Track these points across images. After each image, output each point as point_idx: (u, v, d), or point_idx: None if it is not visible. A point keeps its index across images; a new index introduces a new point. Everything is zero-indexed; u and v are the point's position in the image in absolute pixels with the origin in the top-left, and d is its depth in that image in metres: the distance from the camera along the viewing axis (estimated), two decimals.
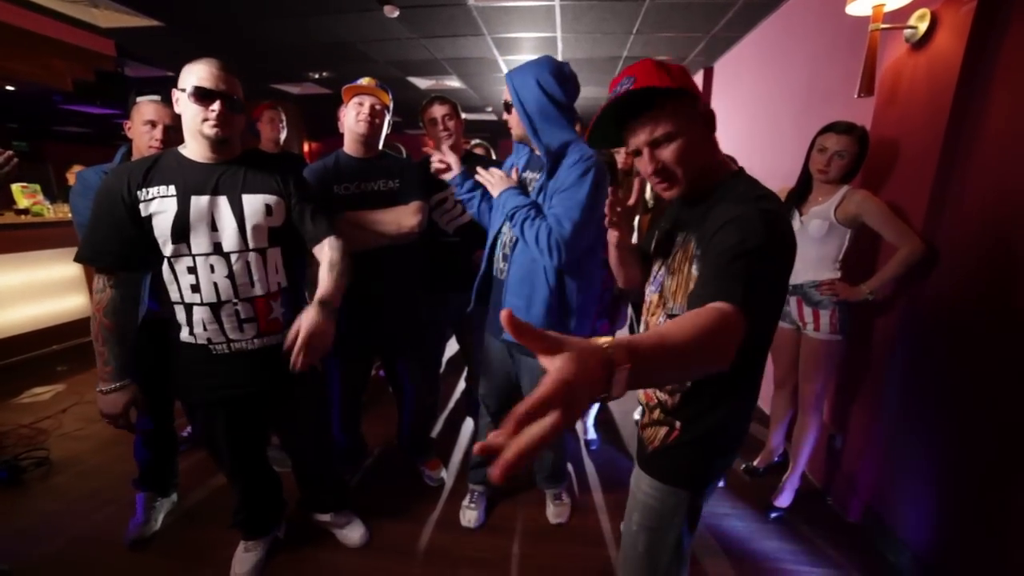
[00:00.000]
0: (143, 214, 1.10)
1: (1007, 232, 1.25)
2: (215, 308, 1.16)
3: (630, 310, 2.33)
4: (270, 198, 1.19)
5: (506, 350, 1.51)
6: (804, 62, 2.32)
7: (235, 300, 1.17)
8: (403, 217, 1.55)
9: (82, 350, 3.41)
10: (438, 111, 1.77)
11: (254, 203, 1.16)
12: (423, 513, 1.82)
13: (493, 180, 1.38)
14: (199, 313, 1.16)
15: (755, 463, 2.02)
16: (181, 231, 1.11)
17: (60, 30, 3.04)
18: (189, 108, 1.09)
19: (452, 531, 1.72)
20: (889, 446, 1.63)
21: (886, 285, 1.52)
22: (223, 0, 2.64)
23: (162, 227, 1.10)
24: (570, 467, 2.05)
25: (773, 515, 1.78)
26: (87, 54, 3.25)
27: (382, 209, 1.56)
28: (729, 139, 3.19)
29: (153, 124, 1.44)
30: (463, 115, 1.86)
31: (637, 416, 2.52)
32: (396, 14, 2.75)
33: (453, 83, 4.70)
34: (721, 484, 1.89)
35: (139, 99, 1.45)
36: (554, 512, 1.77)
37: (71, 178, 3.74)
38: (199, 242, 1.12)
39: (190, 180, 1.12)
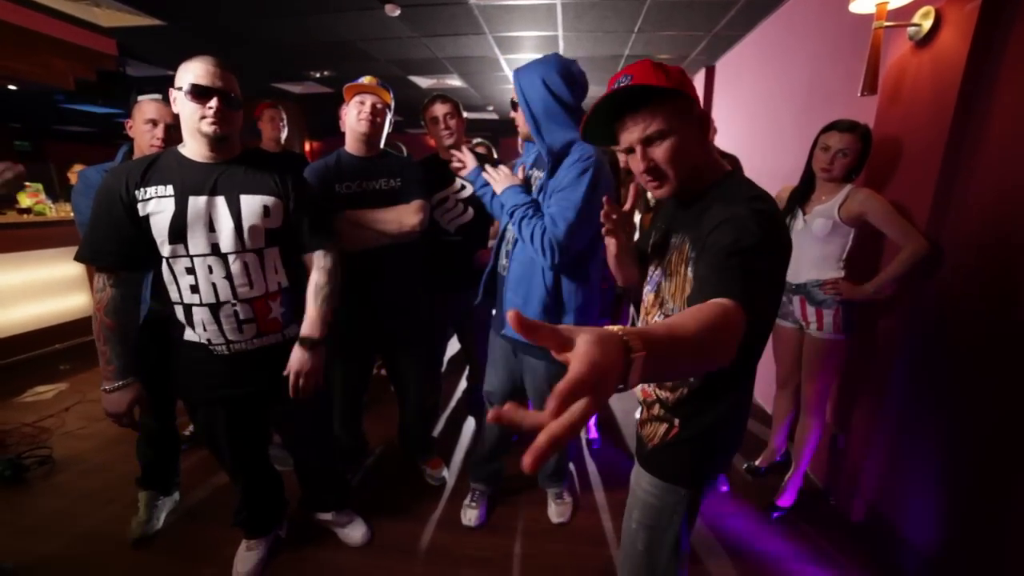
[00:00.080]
0: (141, 214, 1.09)
1: (1011, 231, 1.24)
2: (214, 309, 1.16)
3: (632, 309, 2.33)
4: (268, 199, 1.18)
5: (510, 347, 1.51)
6: (806, 61, 2.31)
7: (234, 301, 1.17)
8: (405, 216, 1.55)
9: (85, 349, 3.43)
10: (440, 110, 1.77)
11: (252, 204, 1.16)
12: (425, 512, 1.82)
13: (498, 177, 1.39)
14: (199, 314, 1.16)
15: (757, 463, 2.02)
16: (178, 232, 1.10)
17: (62, 29, 3.04)
18: (187, 106, 1.08)
19: (454, 530, 1.72)
20: (892, 446, 1.62)
21: (890, 284, 1.52)
22: None
23: (159, 227, 1.09)
24: (572, 466, 2.05)
25: (775, 515, 1.78)
26: (89, 53, 3.25)
27: (384, 208, 1.56)
28: (731, 138, 3.19)
29: (154, 123, 1.44)
30: (464, 114, 1.86)
31: (638, 415, 2.52)
32: (397, 13, 2.75)
33: (454, 82, 4.70)
34: (725, 489, 1.90)
35: (140, 98, 1.46)
36: (556, 511, 1.77)
37: (73, 177, 3.76)
38: (196, 243, 1.12)
39: (188, 180, 1.12)
